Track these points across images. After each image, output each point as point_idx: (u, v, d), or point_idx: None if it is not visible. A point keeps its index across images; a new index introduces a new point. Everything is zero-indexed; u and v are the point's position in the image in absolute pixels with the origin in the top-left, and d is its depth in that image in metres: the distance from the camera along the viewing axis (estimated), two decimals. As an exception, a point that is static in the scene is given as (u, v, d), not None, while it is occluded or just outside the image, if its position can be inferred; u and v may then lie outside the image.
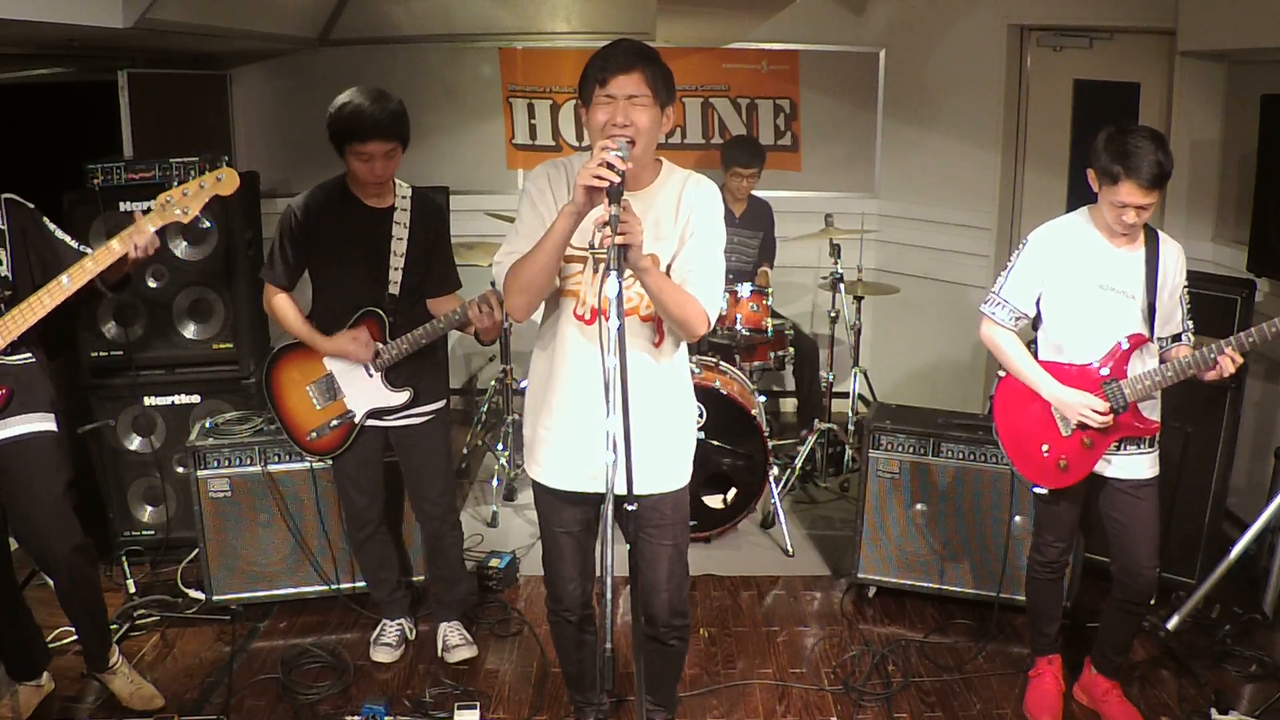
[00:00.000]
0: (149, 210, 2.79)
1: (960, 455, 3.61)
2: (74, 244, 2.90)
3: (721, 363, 4.36)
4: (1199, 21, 4.11)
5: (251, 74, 5.51)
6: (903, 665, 3.41)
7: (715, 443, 4.08)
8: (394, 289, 3.12)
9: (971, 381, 5.27)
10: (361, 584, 3.62)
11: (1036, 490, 2.96)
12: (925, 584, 3.73)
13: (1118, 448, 2.85)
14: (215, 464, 3.57)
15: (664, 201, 2.40)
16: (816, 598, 3.89)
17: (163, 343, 3.99)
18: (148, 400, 3.99)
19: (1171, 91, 4.44)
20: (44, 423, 2.86)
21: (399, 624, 3.50)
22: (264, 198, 4.78)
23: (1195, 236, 4.32)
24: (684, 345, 2.54)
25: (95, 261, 2.74)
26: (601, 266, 2.11)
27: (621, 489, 2.02)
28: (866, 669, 3.38)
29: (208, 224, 3.76)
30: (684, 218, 2.39)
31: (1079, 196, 3.30)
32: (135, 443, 4.03)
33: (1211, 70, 4.29)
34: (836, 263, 4.74)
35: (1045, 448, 2.91)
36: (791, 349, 4.83)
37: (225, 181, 2.81)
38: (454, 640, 3.40)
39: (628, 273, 2.16)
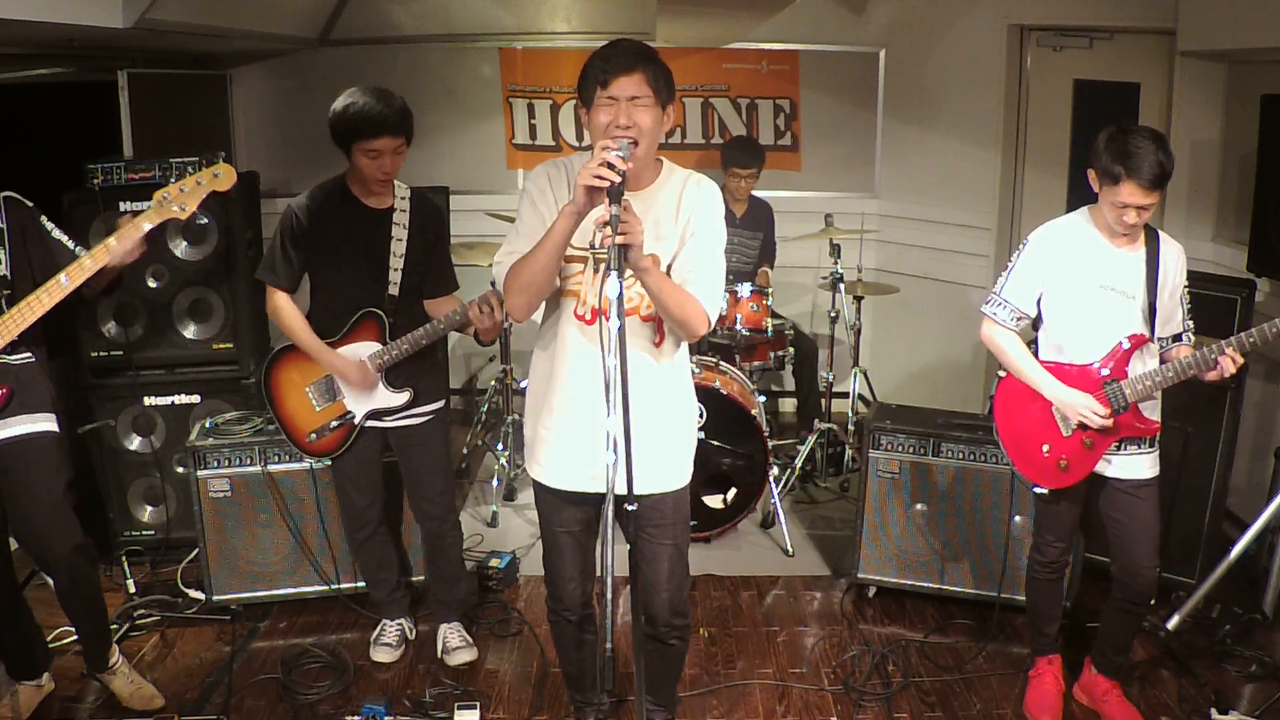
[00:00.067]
0: (146, 209, 2.79)
1: (960, 455, 3.61)
2: (71, 245, 2.90)
3: (721, 363, 4.36)
4: (1199, 21, 4.11)
5: (251, 74, 5.51)
6: (903, 665, 3.41)
7: (715, 443, 4.08)
8: (393, 289, 3.11)
9: (971, 381, 5.27)
10: (361, 584, 3.62)
11: (1037, 490, 2.96)
12: (925, 584, 3.73)
13: (1118, 448, 2.85)
14: (215, 464, 3.57)
15: (665, 201, 2.40)
16: (816, 598, 3.89)
17: (163, 343, 3.99)
18: (148, 400, 3.99)
19: (1171, 91, 4.44)
20: (44, 423, 2.86)
21: (399, 624, 3.50)
22: (264, 198, 4.78)
23: (1195, 236, 4.32)
24: (684, 345, 2.54)
25: (93, 259, 2.73)
26: (602, 266, 2.11)
27: (621, 489, 2.02)
28: (866, 669, 3.38)
29: (205, 220, 3.76)
30: (685, 218, 2.39)
31: (1079, 196, 3.30)
32: (135, 443, 4.03)
33: (1211, 70, 4.29)
34: (836, 263, 4.74)
35: (1046, 448, 2.91)
36: (791, 349, 4.83)
37: (222, 177, 2.81)
38: (454, 642, 3.40)
39: (628, 273, 2.16)
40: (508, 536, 4.30)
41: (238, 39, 4.84)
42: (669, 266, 2.38)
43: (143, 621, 3.60)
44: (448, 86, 5.58)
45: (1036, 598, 3.13)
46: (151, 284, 3.94)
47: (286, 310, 3.12)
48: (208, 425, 3.69)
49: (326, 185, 3.10)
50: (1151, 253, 2.79)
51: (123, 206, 3.80)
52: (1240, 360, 2.66)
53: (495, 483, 4.62)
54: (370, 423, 3.21)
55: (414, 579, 3.69)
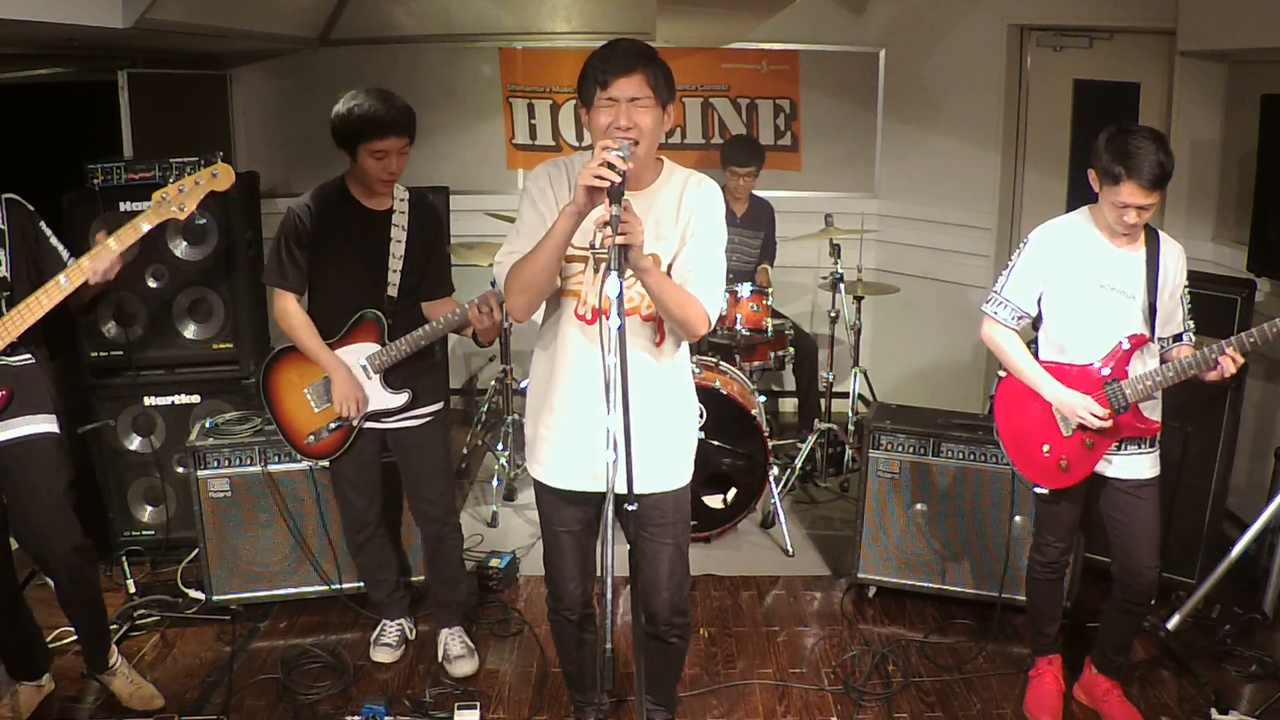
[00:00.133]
0: (145, 209, 2.79)
1: (960, 455, 3.61)
2: (65, 255, 2.90)
3: (721, 363, 4.36)
4: (1199, 21, 4.11)
5: (251, 74, 5.51)
6: (903, 665, 3.41)
7: (715, 443, 4.08)
8: (392, 291, 3.11)
9: (971, 381, 5.27)
10: (361, 584, 3.61)
11: (1037, 490, 2.96)
12: (925, 584, 3.73)
13: (1119, 448, 2.85)
14: (215, 464, 3.57)
15: (665, 201, 2.40)
16: (816, 598, 3.89)
17: (163, 343, 3.99)
18: (148, 400, 3.99)
19: (1171, 91, 4.44)
20: (45, 424, 2.86)
21: (399, 624, 3.50)
22: (264, 198, 4.78)
23: (1195, 236, 4.32)
24: (685, 345, 2.54)
25: (92, 260, 2.73)
26: (602, 266, 2.11)
27: (621, 488, 2.02)
28: (866, 669, 3.38)
29: (204, 220, 3.75)
30: (685, 217, 2.39)
31: (1079, 196, 3.30)
32: (135, 443, 4.03)
33: (1211, 70, 4.29)
34: (836, 263, 4.74)
35: (1046, 448, 2.91)
36: (791, 349, 4.83)
37: (220, 177, 2.81)
38: (456, 650, 3.38)
39: (628, 272, 2.16)
40: (508, 536, 4.30)
41: (238, 39, 4.84)
42: (669, 266, 2.38)
43: (143, 621, 3.60)
44: (448, 86, 5.58)
45: (1037, 598, 3.13)
46: (151, 284, 3.94)
47: (296, 315, 3.09)
48: (208, 425, 3.69)
49: (326, 187, 3.10)
50: (1152, 253, 2.79)
51: (123, 206, 3.80)
52: (1241, 360, 2.66)
53: (495, 483, 4.62)
54: (369, 424, 3.20)
55: (414, 579, 3.69)
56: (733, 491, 4.18)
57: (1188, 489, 3.65)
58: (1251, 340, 2.63)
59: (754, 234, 5.04)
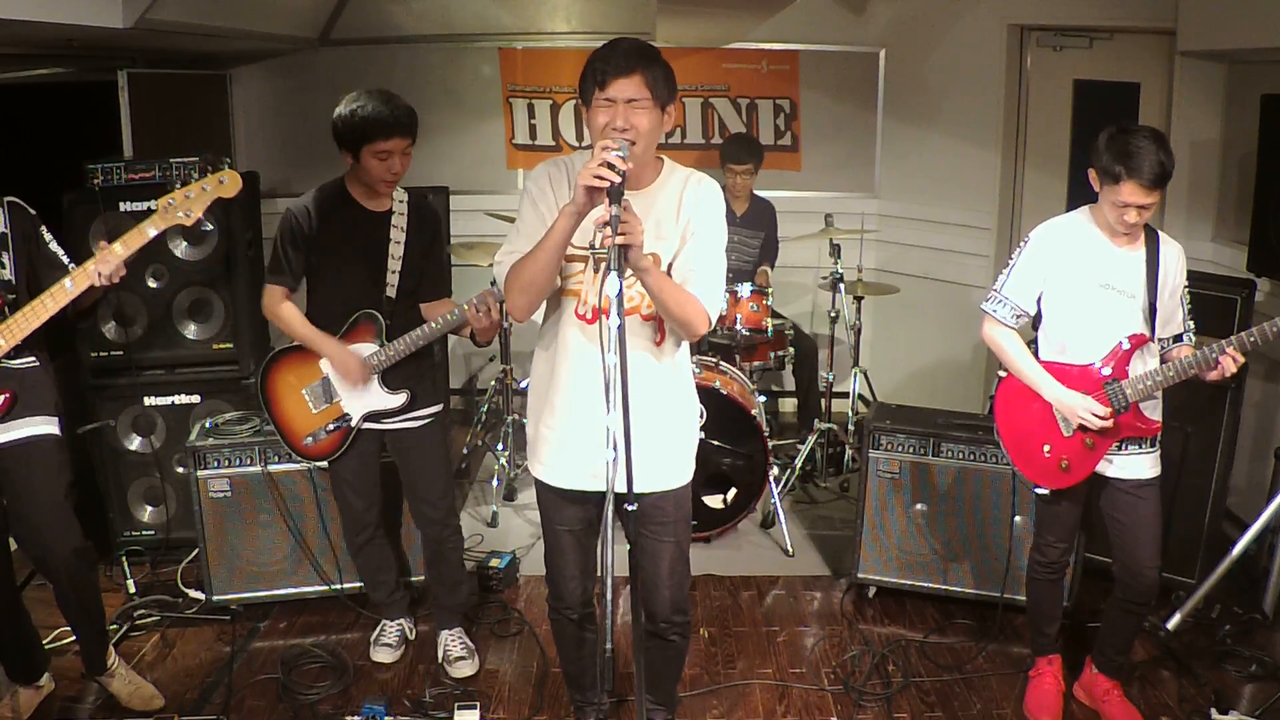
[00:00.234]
0: (152, 214, 2.79)
1: (960, 455, 3.61)
2: (65, 260, 2.90)
3: (721, 363, 4.36)
4: (1199, 21, 4.11)
5: (251, 74, 5.51)
6: (903, 665, 3.41)
7: (715, 443, 4.08)
8: (390, 291, 3.12)
9: (972, 381, 5.27)
10: (361, 584, 3.60)
11: (1038, 491, 2.96)
12: (925, 584, 3.73)
13: (1119, 448, 2.85)
14: (215, 464, 3.57)
15: (665, 201, 2.40)
16: (816, 598, 3.89)
17: (163, 343, 3.99)
18: (148, 400, 3.99)
19: (1171, 91, 4.44)
20: (47, 426, 2.86)
21: (399, 624, 3.50)
22: (264, 198, 4.78)
23: (1195, 236, 4.32)
24: (686, 344, 2.54)
25: (97, 264, 2.73)
26: (602, 266, 2.11)
27: (621, 487, 2.02)
28: (866, 669, 3.38)
29: (209, 226, 3.76)
30: (685, 217, 2.39)
31: (1079, 196, 3.29)
32: (135, 443, 4.03)
33: (1211, 70, 4.29)
34: (836, 263, 4.74)
35: (1047, 448, 2.91)
36: (791, 349, 4.83)
37: (228, 184, 2.81)
38: (456, 652, 3.38)
39: (628, 272, 2.16)
40: (508, 536, 4.30)
41: (238, 39, 4.84)
42: (670, 266, 2.38)
43: (143, 622, 3.60)
44: (448, 86, 5.57)
45: (1037, 598, 3.13)
46: (151, 284, 3.94)
47: (287, 309, 3.11)
48: (208, 425, 3.69)
49: (326, 188, 3.10)
50: (1152, 252, 2.79)
51: (123, 207, 3.81)
52: (1241, 359, 2.66)
53: (495, 483, 4.62)
54: (367, 425, 3.20)
55: (414, 579, 3.69)
56: (733, 491, 4.18)
57: (1188, 489, 3.65)
58: (1252, 340, 2.64)
59: (754, 234, 5.04)
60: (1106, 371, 2.81)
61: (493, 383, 5.08)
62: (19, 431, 2.81)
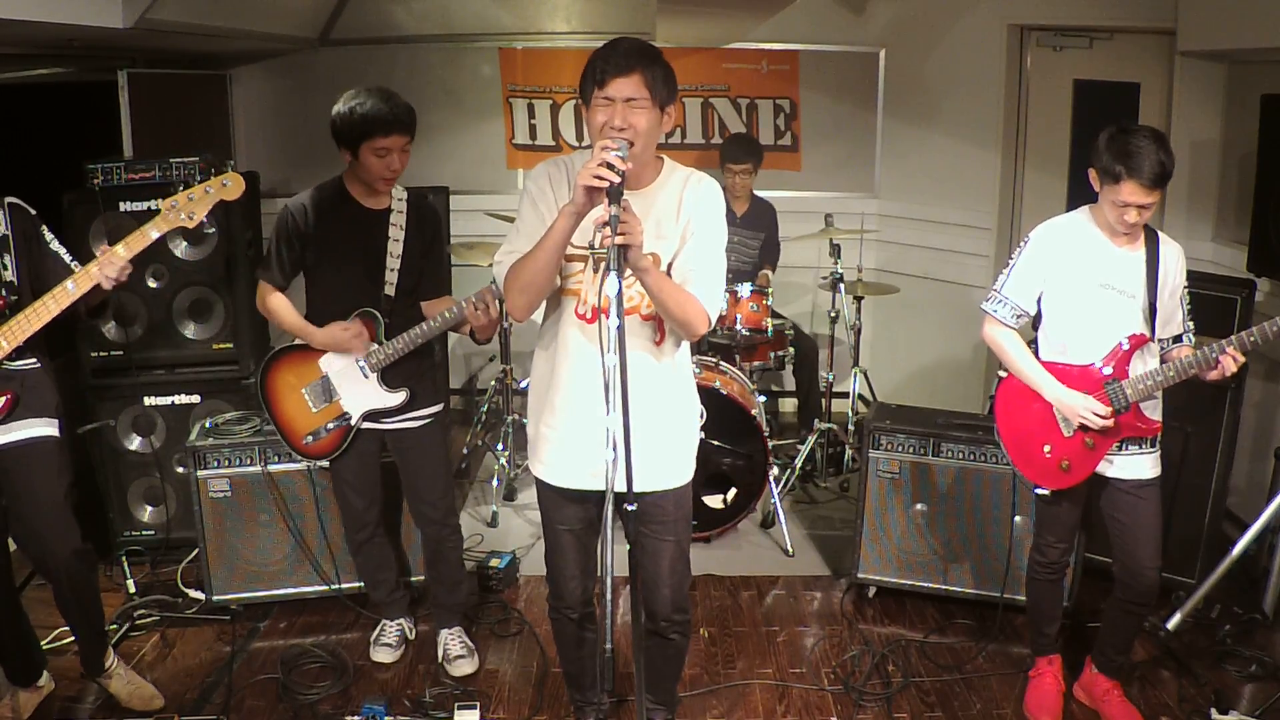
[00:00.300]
0: (155, 216, 2.79)
1: (961, 455, 3.61)
2: (68, 259, 2.90)
3: (721, 363, 4.36)
4: (1199, 21, 4.11)
5: (251, 74, 5.51)
6: (903, 665, 3.41)
7: (715, 443, 4.08)
8: (389, 290, 3.11)
9: (972, 381, 5.27)
10: (361, 584, 3.61)
11: (1038, 491, 2.96)
12: (925, 584, 3.73)
13: (1120, 448, 2.85)
14: (215, 464, 3.57)
15: (665, 200, 2.40)
16: (816, 598, 3.89)
17: (163, 343, 3.99)
18: (148, 400, 3.99)
19: (1171, 91, 4.44)
20: (47, 427, 2.86)
21: (399, 624, 3.50)
22: (264, 198, 4.78)
23: (1195, 236, 4.32)
24: (686, 344, 2.54)
25: (100, 266, 2.73)
26: (602, 266, 2.11)
27: (621, 487, 2.02)
28: (866, 669, 3.38)
29: (211, 228, 3.76)
30: (685, 217, 2.39)
31: (1079, 196, 3.30)
32: (135, 443, 4.03)
33: (1211, 70, 4.29)
34: (836, 263, 4.74)
35: (1047, 448, 2.91)
36: (791, 349, 4.83)
37: (231, 187, 2.81)
38: (456, 650, 3.38)
39: (628, 272, 2.16)
40: (508, 536, 4.30)
41: (238, 39, 4.84)
42: (669, 265, 2.38)
43: (143, 622, 3.60)
44: (448, 86, 5.58)
45: (1037, 598, 3.13)
46: (151, 284, 3.94)
47: (275, 301, 3.13)
48: (208, 425, 3.69)
49: (324, 186, 3.10)
50: (1152, 253, 2.79)
51: (123, 207, 3.81)
52: (1241, 359, 2.66)
53: (495, 483, 4.62)
54: (367, 425, 3.20)
55: (414, 579, 3.69)
56: (733, 491, 4.18)
57: (1188, 489, 3.65)
58: (1252, 339, 2.64)
59: (754, 234, 5.04)
60: (1107, 371, 2.81)
61: (493, 383, 5.08)
62: (19, 433, 2.81)
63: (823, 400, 4.94)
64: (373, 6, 5.44)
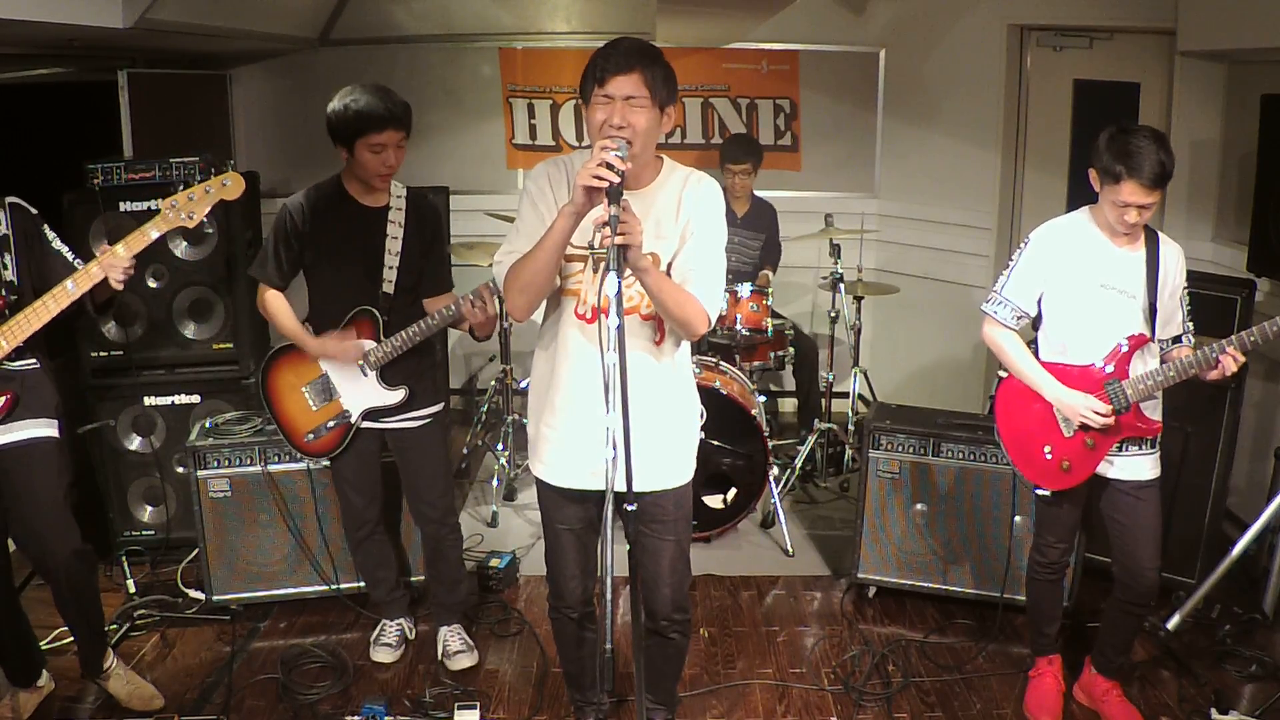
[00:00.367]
0: (155, 216, 2.79)
1: (961, 455, 3.61)
2: (70, 257, 2.90)
3: (721, 363, 4.36)
4: (1199, 21, 4.11)
5: (251, 74, 5.51)
6: (903, 665, 3.41)
7: (715, 443, 4.08)
8: (388, 288, 3.11)
9: (972, 381, 5.27)
10: (361, 584, 3.61)
11: (1039, 492, 2.96)
12: (925, 584, 3.73)
13: (1120, 448, 2.85)
14: (215, 464, 3.57)
15: (665, 200, 2.40)
16: (816, 598, 3.88)
17: (163, 343, 3.99)
18: (148, 400, 3.99)
19: (1171, 91, 4.44)
20: (47, 428, 2.86)
21: (399, 624, 3.50)
22: (264, 198, 4.78)
23: (1195, 236, 4.32)
24: (686, 344, 2.54)
25: (100, 266, 2.73)
26: (601, 266, 2.11)
27: (621, 486, 2.02)
28: (866, 669, 3.38)
29: (210, 228, 3.77)
30: (685, 217, 2.39)
31: (1079, 196, 3.30)
32: (135, 443, 4.03)
33: (1211, 70, 4.29)
34: (836, 263, 4.74)
35: (1048, 449, 2.91)
36: (791, 349, 4.83)
37: (231, 186, 2.81)
38: (455, 646, 3.39)
39: (628, 272, 2.16)
40: (508, 536, 4.30)
41: (238, 39, 4.84)
42: (669, 265, 2.38)
43: (143, 622, 3.60)
44: (448, 86, 5.58)
45: (1037, 598, 3.13)
46: (151, 284, 3.94)
47: (275, 304, 3.13)
48: (208, 425, 3.69)
49: (322, 185, 3.11)
50: (1152, 253, 2.79)
51: (123, 207, 3.81)
52: (1242, 359, 2.66)
53: (495, 483, 4.62)
54: (367, 424, 3.21)
55: (414, 579, 3.69)
56: (733, 491, 4.18)
57: (1188, 489, 3.65)
58: (1252, 339, 2.64)
59: (754, 235, 5.04)
60: (1110, 370, 2.81)
61: (493, 383, 5.08)
62: (19, 434, 2.81)
63: (823, 400, 4.94)
64: (373, 6, 5.44)
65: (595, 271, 2.36)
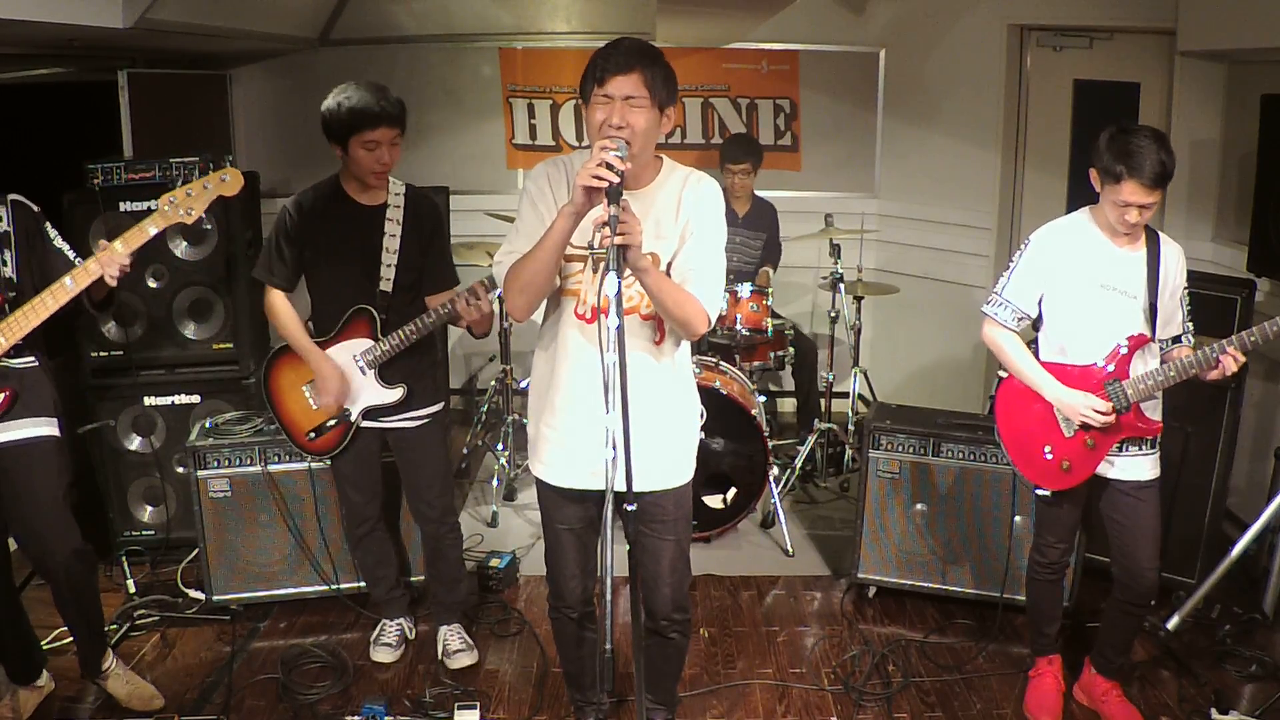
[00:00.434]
0: (153, 213, 2.79)
1: (961, 455, 3.61)
2: (71, 254, 2.89)
3: (721, 363, 4.36)
4: (1199, 21, 4.11)
5: (251, 74, 5.51)
6: (903, 665, 3.41)
7: (715, 443, 4.08)
8: (386, 286, 3.11)
9: (972, 381, 5.27)
10: (361, 584, 3.61)
11: (1039, 492, 2.96)
12: (925, 584, 3.73)
13: (1120, 449, 2.85)
14: (215, 464, 3.57)
15: (664, 200, 2.40)
16: (816, 598, 3.88)
17: (163, 343, 3.99)
18: (148, 400, 3.99)
19: (1171, 91, 4.44)
20: (46, 427, 2.86)
21: (399, 624, 3.50)
22: (264, 198, 4.79)
23: (1195, 236, 4.32)
24: (686, 344, 2.54)
25: (98, 262, 2.73)
26: (601, 266, 2.11)
27: (621, 486, 2.02)
28: (866, 669, 3.38)
29: (209, 225, 3.77)
30: (684, 217, 2.39)
31: (1079, 196, 3.30)
32: (135, 443, 4.03)
33: (1211, 70, 4.29)
34: (836, 263, 4.74)
35: (1048, 449, 2.90)
36: (791, 349, 4.83)
37: (230, 182, 2.81)
38: (455, 645, 3.40)
39: (627, 272, 2.16)
40: (508, 536, 4.30)
41: (238, 39, 4.84)
42: (669, 265, 2.38)
43: (143, 622, 3.60)
44: (448, 86, 5.58)
45: (1037, 598, 3.13)
46: (151, 284, 3.94)
47: (281, 310, 3.13)
48: (208, 425, 3.69)
49: (320, 185, 3.11)
50: (1152, 253, 2.79)
51: (123, 206, 3.81)
52: (1242, 359, 2.66)
53: (495, 483, 4.62)
54: (367, 424, 3.21)
55: (414, 579, 3.69)
56: (733, 491, 4.18)
57: (1188, 489, 3.65)
58: (1252, 339, 2.64)
59: (755, 235, 5.04)
60: (1109, 370, 2.81)
61: (493, 383, 5.09)
62: (18, 432, 2.81)
63: (822, 400, 4.94)
64: (373, 6, 5.44)
65: (595, 272, 2.36)
